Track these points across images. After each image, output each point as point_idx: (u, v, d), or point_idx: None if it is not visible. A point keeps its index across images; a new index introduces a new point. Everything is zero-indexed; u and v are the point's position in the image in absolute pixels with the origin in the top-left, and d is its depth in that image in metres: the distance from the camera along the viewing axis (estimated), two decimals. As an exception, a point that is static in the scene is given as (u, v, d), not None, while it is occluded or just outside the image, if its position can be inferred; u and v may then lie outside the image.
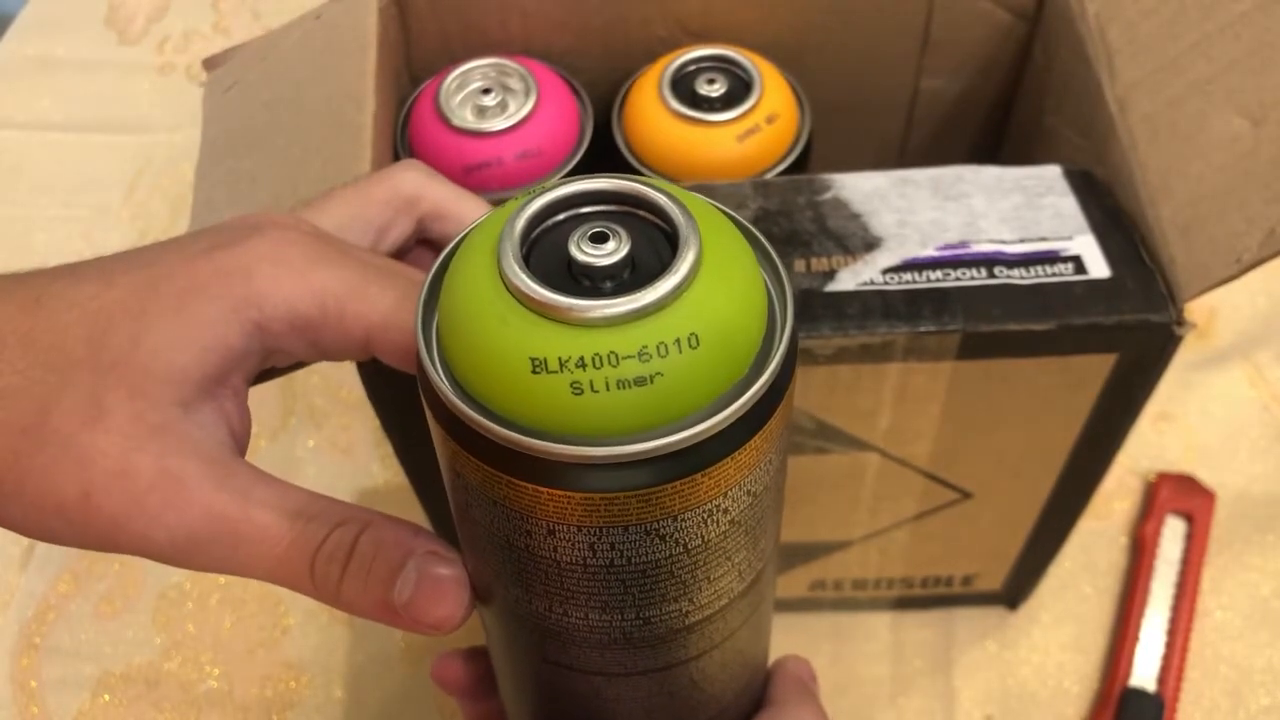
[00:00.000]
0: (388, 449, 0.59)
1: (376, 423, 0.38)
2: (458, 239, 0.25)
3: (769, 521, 0.26)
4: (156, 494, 0.26)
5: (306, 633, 0.54)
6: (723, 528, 0.24)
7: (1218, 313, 0.61)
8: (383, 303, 0.28)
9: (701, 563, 0.24)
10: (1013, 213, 0.36)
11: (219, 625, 0.54)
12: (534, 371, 0.21)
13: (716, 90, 0.45)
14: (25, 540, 0.56)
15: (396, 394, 0.35)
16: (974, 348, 0.34)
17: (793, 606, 0.52)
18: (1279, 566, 0.53)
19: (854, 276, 0.34)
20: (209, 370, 0.27)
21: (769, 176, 0.44)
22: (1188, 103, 0.34)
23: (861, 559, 0.48)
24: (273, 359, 0.29)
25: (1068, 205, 0.36)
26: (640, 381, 0.21)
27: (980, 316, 0.33)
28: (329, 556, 0.26)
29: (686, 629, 0.26)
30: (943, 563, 0.49)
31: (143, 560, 0.57)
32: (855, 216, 0.36)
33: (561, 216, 0.23)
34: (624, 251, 0.22)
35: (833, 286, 0.34)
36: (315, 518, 0.27)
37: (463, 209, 0.33)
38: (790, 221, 0.36)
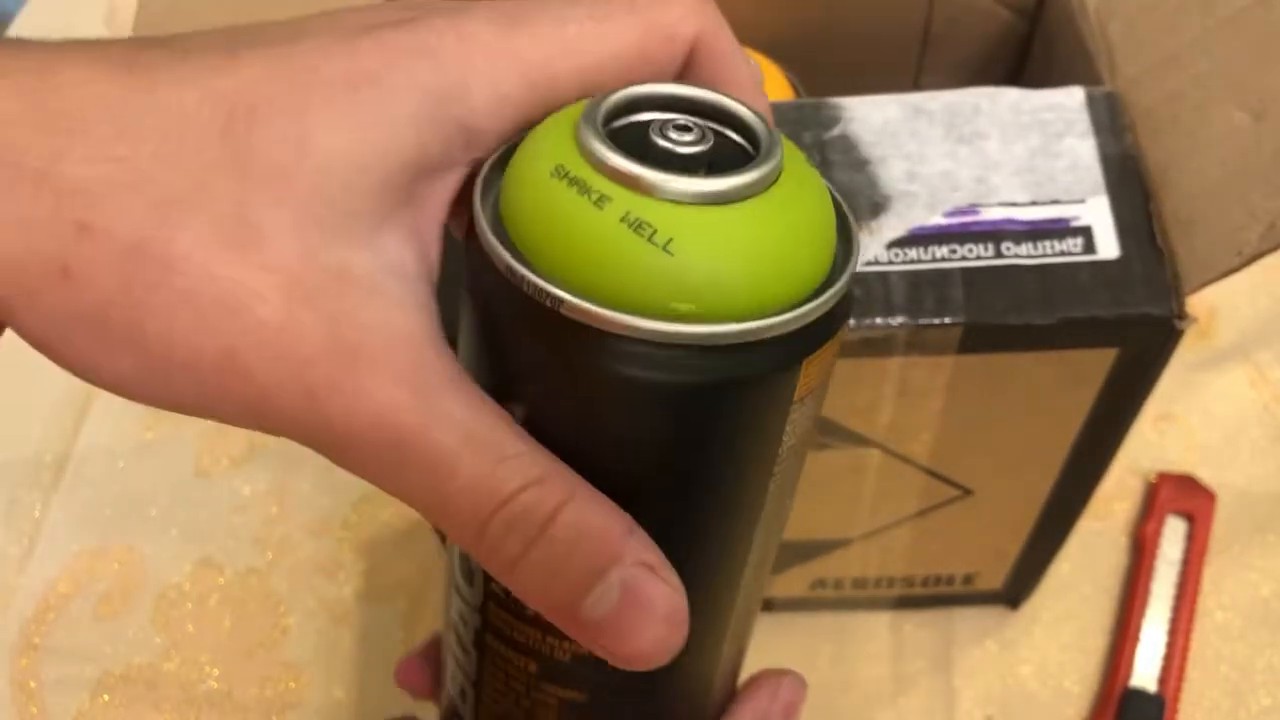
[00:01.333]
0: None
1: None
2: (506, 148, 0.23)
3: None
4: (322, 370, 0.19)
5: (306, 633, 0.54)
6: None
7: (1218, 313, 0.61)
8: (585, 32, 0.22)
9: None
10: (1028, 161, 0.35)
11: (219, 625, 0.54)
12: None
13: (717, 88, 0.45)
14: (25, 540, 0.56)
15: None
16: (975, 341, 0.34)
17: (793, 606, 0.52)
18: (1279, 566, 0.53)
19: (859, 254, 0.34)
20: (398, 186, 0.21)
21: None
22: (1188, 97, 0.34)
23: (862, 557, 0.48)
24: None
25: (1086, 151, 0.35)
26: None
27: (982, 308, 0.33)
28: (512, 523, 0.20)
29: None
30: (943, 561, 0.49)
31: (143, 560, 0.57)
32: (863, 164, 0.35)
33: (638, 117, 0.22)
34: (706, 146, 0.21)
35: None
36: (508, 460, 0.20)
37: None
38: None
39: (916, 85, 0.51)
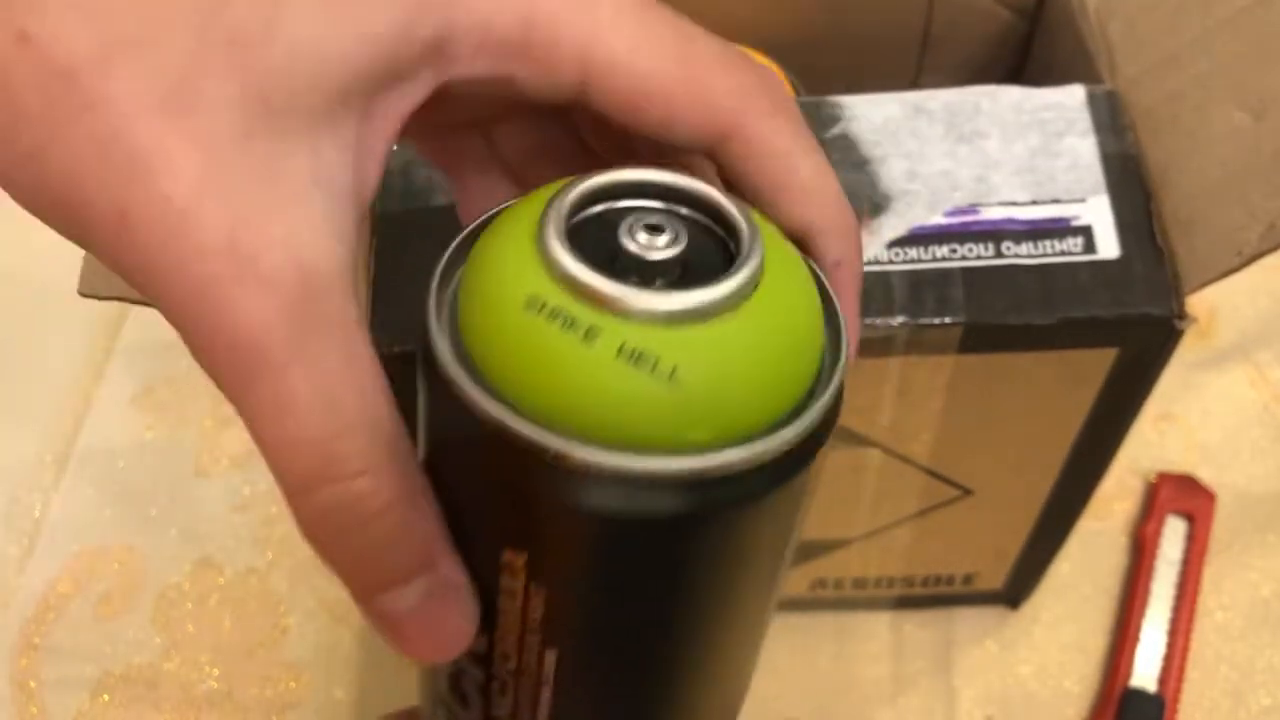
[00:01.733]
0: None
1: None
2: (483, 219, 0.21)
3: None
4: (211, 267, 0.18)
5: (306, 633, 0.54)
6: None
7: (1218, 313, 0.61)
8: (614, 23, 0.21)
9: None
10: (1028, 161, 0.35)
11: (219, 625, 0.54)
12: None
13: (717, 88, 0.45)
14: (25, 540, 0.56)
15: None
16: (975, 341, 0.34)
17: (793, 606, 0.52)
18: (1279, 566, 0.53)
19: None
20: (358, 93, 0.19)
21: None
22: (1188, 97, 0.34)
23: (862, 557, 0.48)
24: (447, 101, 0.21)
25: (1086, 150, 0.35)
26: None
27: (982, 308, 0.33)
28: (342, 502, 0.19)
29: None
30: (944, 561, 0.49)
31: (143, 560, 0.57)
32: (864, 164, 0.35)
33: (600, 208, 0.20)
34: (681, 246, 0.19)
35: None
36: (354, 437, 0.19)
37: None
38: None
39: (916, 85, 0.51)
